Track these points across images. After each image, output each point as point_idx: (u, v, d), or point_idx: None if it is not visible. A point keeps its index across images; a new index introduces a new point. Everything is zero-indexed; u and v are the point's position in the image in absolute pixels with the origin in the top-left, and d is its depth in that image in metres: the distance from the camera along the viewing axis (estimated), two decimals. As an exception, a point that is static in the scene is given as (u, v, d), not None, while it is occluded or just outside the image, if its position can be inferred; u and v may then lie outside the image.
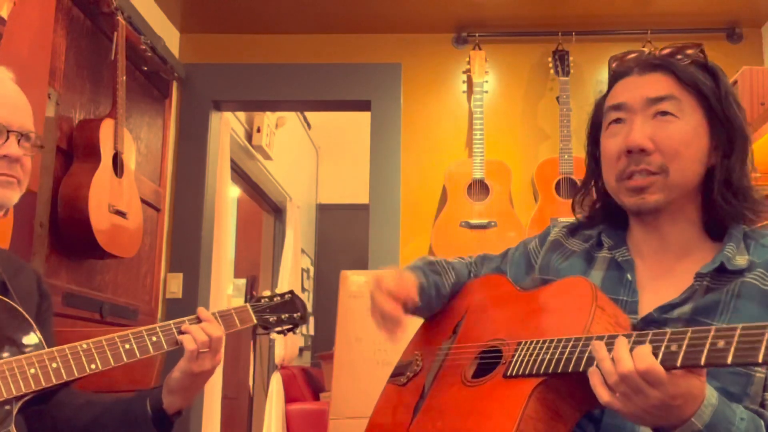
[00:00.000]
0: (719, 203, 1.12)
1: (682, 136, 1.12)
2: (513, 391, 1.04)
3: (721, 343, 0.83)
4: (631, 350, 0.90)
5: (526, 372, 1.04)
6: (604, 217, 1.27)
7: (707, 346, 0.85)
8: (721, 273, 1.08)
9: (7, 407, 1.17)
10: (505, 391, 1.06)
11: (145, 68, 3.00)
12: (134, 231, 2.56)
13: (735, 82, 2.41)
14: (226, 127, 3.68)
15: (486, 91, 3.31)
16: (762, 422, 0.95)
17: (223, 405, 3.95)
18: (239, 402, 5.23)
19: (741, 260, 1.08)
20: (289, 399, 4.33)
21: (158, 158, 3.20)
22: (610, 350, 0.92)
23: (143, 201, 2.83)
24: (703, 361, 0.84)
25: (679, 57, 1.18)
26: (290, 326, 1.61)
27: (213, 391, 3.54)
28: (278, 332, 1.60)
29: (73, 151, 2.41)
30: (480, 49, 3.36)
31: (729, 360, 0.82)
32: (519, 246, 1.43)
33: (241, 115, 4.35)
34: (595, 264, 1.23)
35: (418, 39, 3.46)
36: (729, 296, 1.06)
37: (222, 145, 3.63)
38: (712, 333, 0.85)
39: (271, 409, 4.29)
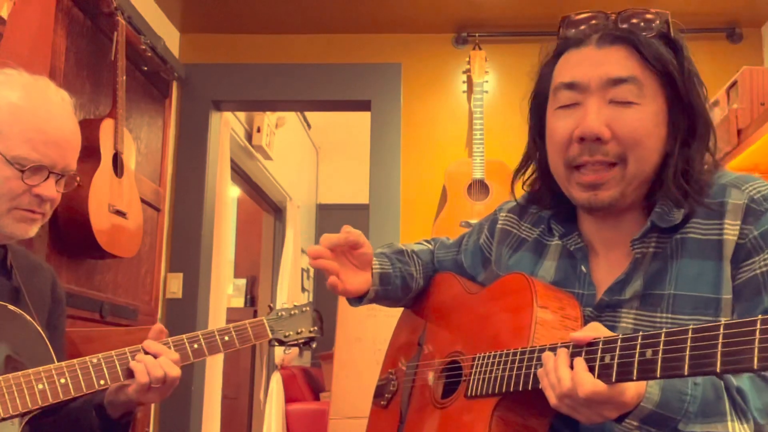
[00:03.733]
0: (673, 194, 1.01)
1: (641, 123, 1.00)
2: (476, 413, 1.04)
3: (649, 353, 0.80)
4: (571, 364, 0.88)
5: (484, 392, 1.03)
6: (549, 201, 1.16)
7: (637, 357, 0.82)
8: (663, 234, 1.02)
9: (12, 423, 1.16)
10: (468, 413, 1.06)
11: (145, 68, 3.00)
12: (134, 231, 2.56)
13: (735, 82, 2.41)
14: (226, 127, 3.68)
15: (486, 91, 3.31)
16: (722, 383, 0.91)
17: (223, 405, 3.95)
18: (239, 402, 5.23)
19: (676, 214, 1.01)
20: (289, 399, 4.33)
21: (158, 158, 3.20)
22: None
23: (143, 201, 2.83)
24: (635, 376, 0.82)
25: (639, 23, 1.04)
26: (306, 340, 1.56)
27: (213, 391, 3.54)
28: (293, 346, 1.55)
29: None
30: (480, 49, 3.36)
31: (658, 374, 0.80)
32: (473, 233, 1.36)
33: (241, 115, 4.35)
34: (546, 253, 1.16)
35: (418, 39, 3.46)
36: (673, 259, 1.01)
37: (222, 145, 3.63)
38: (639, 341, 0.82)
39: (271, 409, 4.29)
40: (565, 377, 0.87)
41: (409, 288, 1.36)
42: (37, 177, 1.30)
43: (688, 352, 0.77)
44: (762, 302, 0.95)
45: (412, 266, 1.37)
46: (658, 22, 1.04)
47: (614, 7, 1.13)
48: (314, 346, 1.61)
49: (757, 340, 0.70)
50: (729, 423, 0.90)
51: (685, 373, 0.77)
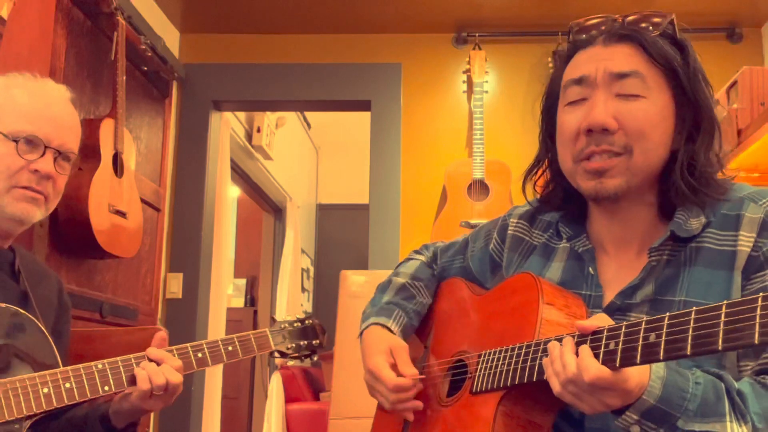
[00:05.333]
0: (681, 190, 1.03)
1: (648, 115, 1.02)
2: (480, 408, 1.04)
3: (652, 337, 0.82)
4: (576, 352, 0.89)
5: (489, 387, 1.04)
6: (561, 201, 1.17)
7: (640, 341, 0.84)
8: (679, 242, 1.03)
9: (17, 426, 1.16)
10: (473, 408, 1.07)
11: (145, 68, 3.00)
12: (134, 231, 2.56)
13: (735, 82, 2.41)
14: (226, 127, 3.68)
15: (486, 91, 3.31)
16: (723, 384, 0.92)
17: (223, 405, 3.95)
18: (239, 402, 5.23)
19: (695, 223, 1.03)
20: (289, 399, 4.33)
21: (158, 158, 3.20)
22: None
23: (143, 201, 2.83)
24: (639, 360, 0.84)
25: (645, 25, 1.07)
26: (308, 353, 1.58)
27: (213, 391, 3.54)
28: (295, 358, 1.57)
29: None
30: (480, 49, 3.36)
31: (661, 356, 0.81)
32: (478, 238, 1.35)
33: (241, 115, 4.35)
34: (554, 256, 1.18)
35: (418, 39, 3.46)
36: (686, 266, 1.02)
37: (222, 145, 3.63)
38: (643, 326, 0.84)
39: (271, 409, 4.29)
40: (570, 363, 0.88)
41: (422, 315, 1.37)
42: (34, 153, 1.31)
43: (690, 333, 0.79)
44: None
45: (419, 296, 1.37)
46: (663, 23, 1.07)
47: (615, 6, 1.14)
48: (315, 358, 1.62)
49: (758, 316, 0.73)
50: (728, 423, 0.90)
51: (688, 353, 0.79)
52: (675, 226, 1.03)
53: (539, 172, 1.20)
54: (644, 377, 0.88)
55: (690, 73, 1.05)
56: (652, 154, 1.03)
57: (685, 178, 1.03)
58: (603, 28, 1.10)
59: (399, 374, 1.20)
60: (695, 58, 1.07)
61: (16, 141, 1.29)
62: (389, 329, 1.29)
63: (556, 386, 0.91)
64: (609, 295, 1.07)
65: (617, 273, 1.09)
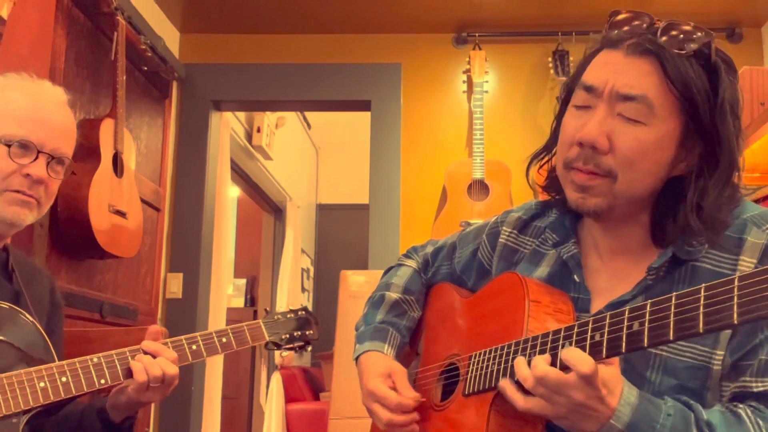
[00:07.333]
0: (684, 229, 0.99)
1: (641, 144, 0.98)
2: (474, 410, 1.05)
3: (635, 326, 0.84)
4: (554, 363, 0.91)
5: (481, 388, 1.04)
6: (557, 201, 1.15)
7: (624, 330, 0.85)
8: (675, 263, 1.02)
9: (14, 420, 1.17)
10: (467, 411, 1.07)
11: (145, 68, 3.00)
12: (134, 231, 2.56)
13: (735, 82, 2.41)
14: (226, 127, 3.68)
15: (486, 91, 3.31)
16: (692, 414, 0.92)
17: (223, 405, 3.95)
18: (239, 402, 5.23)
19: (698, 247, 1.01)
20: (289, 399, 4.33)
21: (158, 158, 3.20)
22: (546, 352, 0.94)
23: (143, 201, 2.83)
24: (624, 348, 0.85)
25: (675, 34, 0.99)
26: (302, 343, 1.60)
27: (213, 391, 3.54)
28: (289, 349, 1.58)
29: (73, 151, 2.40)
30: (480, 49, 3.36)
31: (645, 343, 0.83)
32: (467, 243, 1.33)
33: (241, 115, 4.35)
34: (542, 261, 1.17)
35: (418, 39, 3.46)
36: (680, 284, 1.00)
37: (222, 145, 3.63)
38: (626, 315, 0.85)
39: (271, 409, 4.29)
40: (538, 364, 0.91)
41: (413, 330, 1.37)
42: (26, 157, 1.31)
43: (672, 318, 0.80)
44: (756, 337, 0.96)
45: (410, 311, 1.36)
46: (700, 40, 0.99)
47: (615, 6, 1.12)
48: (309, 349, 1.63)
49: (735, 297, 0.75)
50: None
51: (671, 338, 0.80)
52: (677, 247, 1.01)
53: (545, 159, 1.17)
54: (614, 376, 0.90)
55: (716, 103, 0.98)
56: (638, 184, 1.01)
57: (690, 215, 0.98)
58: (636, 23, 1.04)
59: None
60: (730, 88, 0.99)
61: (8, 145, 1.30)
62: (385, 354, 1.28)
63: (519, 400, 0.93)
64: (598, 303, 1.07)
65: (609, 282, 1.08)
